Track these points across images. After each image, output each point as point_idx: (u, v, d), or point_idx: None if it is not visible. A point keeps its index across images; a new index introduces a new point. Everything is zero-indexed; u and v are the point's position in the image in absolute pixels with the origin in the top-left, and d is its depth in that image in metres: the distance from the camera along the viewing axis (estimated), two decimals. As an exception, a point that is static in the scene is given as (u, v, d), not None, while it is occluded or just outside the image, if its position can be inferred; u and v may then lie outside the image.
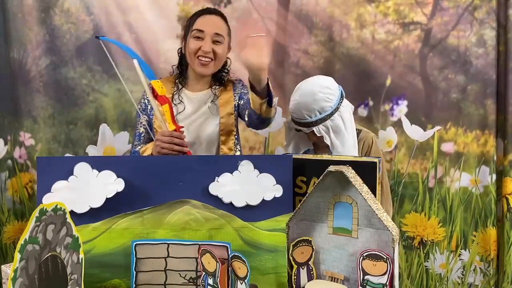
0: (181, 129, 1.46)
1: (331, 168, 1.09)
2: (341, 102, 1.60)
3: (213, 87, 1.71)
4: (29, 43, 2.19)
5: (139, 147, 1.67)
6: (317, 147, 1.69)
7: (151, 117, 1.66)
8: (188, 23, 1.66)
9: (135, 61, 1.42)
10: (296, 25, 2.22)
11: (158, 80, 1.46)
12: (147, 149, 1.56)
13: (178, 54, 1.73)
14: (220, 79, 1.72)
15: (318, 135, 1.59)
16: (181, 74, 1.72)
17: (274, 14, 2.21)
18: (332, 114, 1.58)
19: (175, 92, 1.68)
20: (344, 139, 1.60)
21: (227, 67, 1.74)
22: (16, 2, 2.16)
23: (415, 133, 2.21)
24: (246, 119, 1.61)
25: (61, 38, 2.19)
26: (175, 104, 1.64)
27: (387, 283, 1.02)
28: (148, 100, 1.66)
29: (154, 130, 1.64)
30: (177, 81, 1.70)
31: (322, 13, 2.20)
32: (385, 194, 1.68)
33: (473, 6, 2.12)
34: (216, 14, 1.65)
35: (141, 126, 1.69)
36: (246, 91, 1.72)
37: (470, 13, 2.13)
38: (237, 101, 1.69)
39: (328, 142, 1.59)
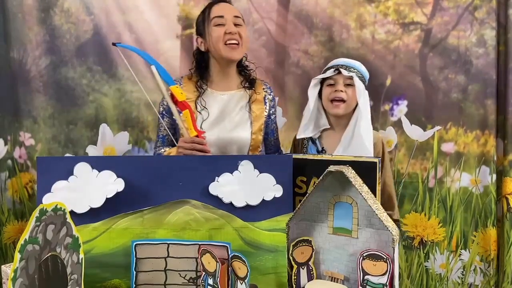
0: (203, 134, 1.43)
1: (331, 168, 1.09)
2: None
3: (244, 87, 1.67)
4: (29, 43, 2.18)
5: (163, 149, 1.63)
6: (332, 125, 1.70)
7: (177, 121, 1.61)
8: (202, 17, 1.62)
9: (153, 68, 1.40)
10: (296, 25, 2.21)
11: (177, 85, 1.44)
12: (171, 154, 1.53)
13: (194, 55, 1.69)
14: (247, 75, 1.70)
15: (353, 81, 1.62)
16: (202, 76, 1.66)
17: (274, 14, 2.21)
18: (365, 81, 1.68)
19: (198, 97, 1.62)
20: (368, 109, 1.65)
21: (244, 60, 1.71)
22: (16, 2, 2.16)
23: (415, 133, 2.20)
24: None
25: (61, 38, 2.19)
26: (199, 112, 1.59)
27: (387, 283, 1.02)
28: None
29: (181, 135, 1.60)
30: (198, 83, 1.64)
31: (322, 13, 2.20)
32: (392, 198, 1.68)
33: (473, 6, 2.12)
34: (227, 2, 1.65)
35: (164, 129, 1.64)
36: (274, 108, 1.74)
37: (470, 13, 2.13)
38: (266, 117, 1.69)
39: (357, 94, 1.62)
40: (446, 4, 2.15)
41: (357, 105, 1.64)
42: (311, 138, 1.69)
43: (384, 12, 2.18)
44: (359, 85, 1.62)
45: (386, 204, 1.62)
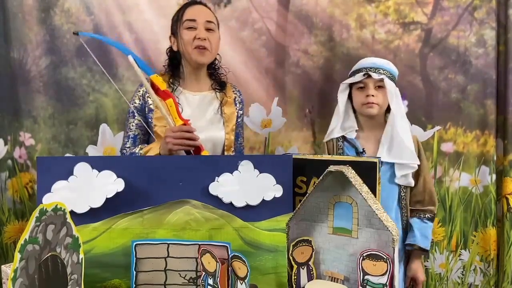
0: (189, 122, 1.43)
1: (331, 168, 1.09)
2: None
3: (214, 89, 1.69)
4: (29, 43, 2.18)
5: (136, 149, 1.60)
6: (363, 125, 1.70)
7: (150, 120, 1.60)
8: (176, 18, 1.65)
9: (130, 58, 1.40)
10: (296, 25, 2.21)
11: (157, 75, 1.44)
12: (152, 149, 1.51)
13: (167, 53, 1.71)
14: (218, 78, 1.72)
15: (383, 83, 1.60)
16: (174, 74, 1.67)
17: (274, 14, 2.21)
18: (395, 80, 1.65)
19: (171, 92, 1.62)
20: (401, 109, 1.63)
21: (217, 63, 1.73)
22: (16, 2, 2.16)
23: (415, 133, 2.20)
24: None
25: (61, 38, 2.19)
26: None
27: (387, 283, 1.02)
28: (145, 99, 1.61)
29: (155, 133, 1.58)
30: (170, 80, 1.65)
31: (322, 13, 2.20)
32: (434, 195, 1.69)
33: (473, 6, 2.12)
34: (202, 5, 1.66)
35: (136, 128, 1.63)
36: (242, 111, 1.76)
37: (470, 13, 2.13)
38: (237, 118, 1.71)
39: (389, 98, 1.59)
40: (446, 4, 2.15)
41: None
42: (345, 139, 1.70)
43: (384, 12, 2.18)
44: (390, 87, 1.61)
45: (428, 200, 1.66)
